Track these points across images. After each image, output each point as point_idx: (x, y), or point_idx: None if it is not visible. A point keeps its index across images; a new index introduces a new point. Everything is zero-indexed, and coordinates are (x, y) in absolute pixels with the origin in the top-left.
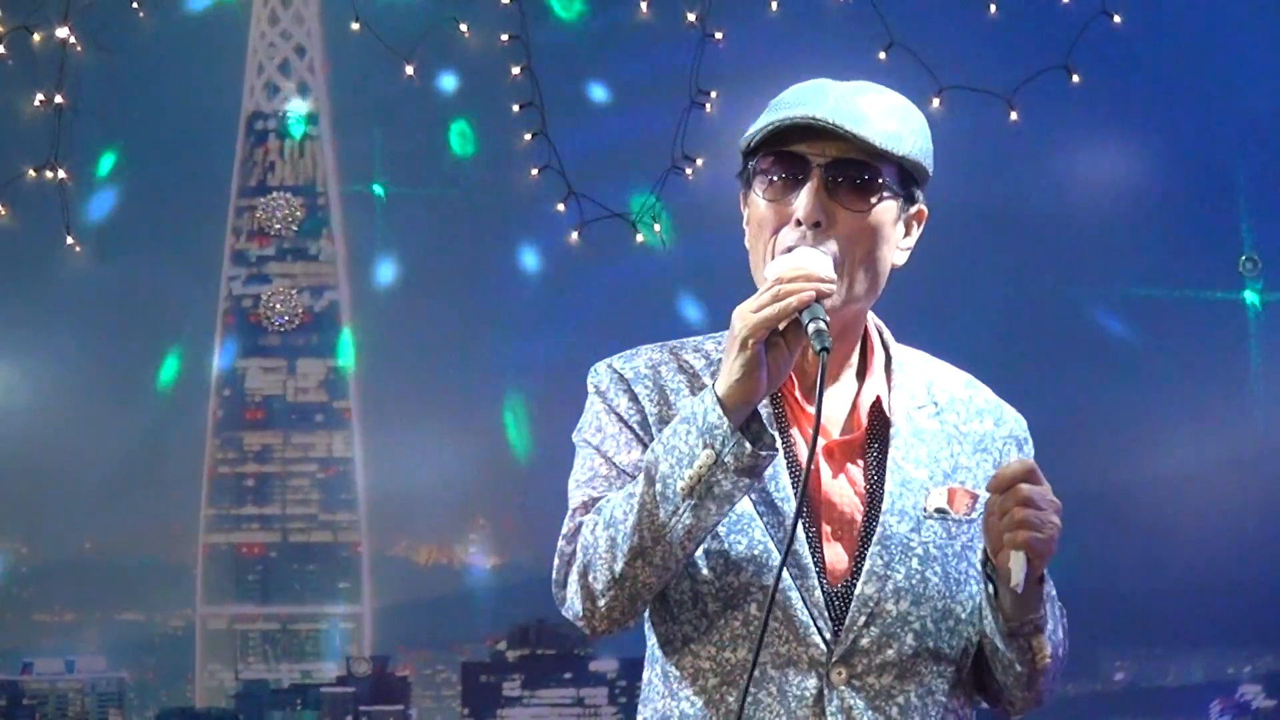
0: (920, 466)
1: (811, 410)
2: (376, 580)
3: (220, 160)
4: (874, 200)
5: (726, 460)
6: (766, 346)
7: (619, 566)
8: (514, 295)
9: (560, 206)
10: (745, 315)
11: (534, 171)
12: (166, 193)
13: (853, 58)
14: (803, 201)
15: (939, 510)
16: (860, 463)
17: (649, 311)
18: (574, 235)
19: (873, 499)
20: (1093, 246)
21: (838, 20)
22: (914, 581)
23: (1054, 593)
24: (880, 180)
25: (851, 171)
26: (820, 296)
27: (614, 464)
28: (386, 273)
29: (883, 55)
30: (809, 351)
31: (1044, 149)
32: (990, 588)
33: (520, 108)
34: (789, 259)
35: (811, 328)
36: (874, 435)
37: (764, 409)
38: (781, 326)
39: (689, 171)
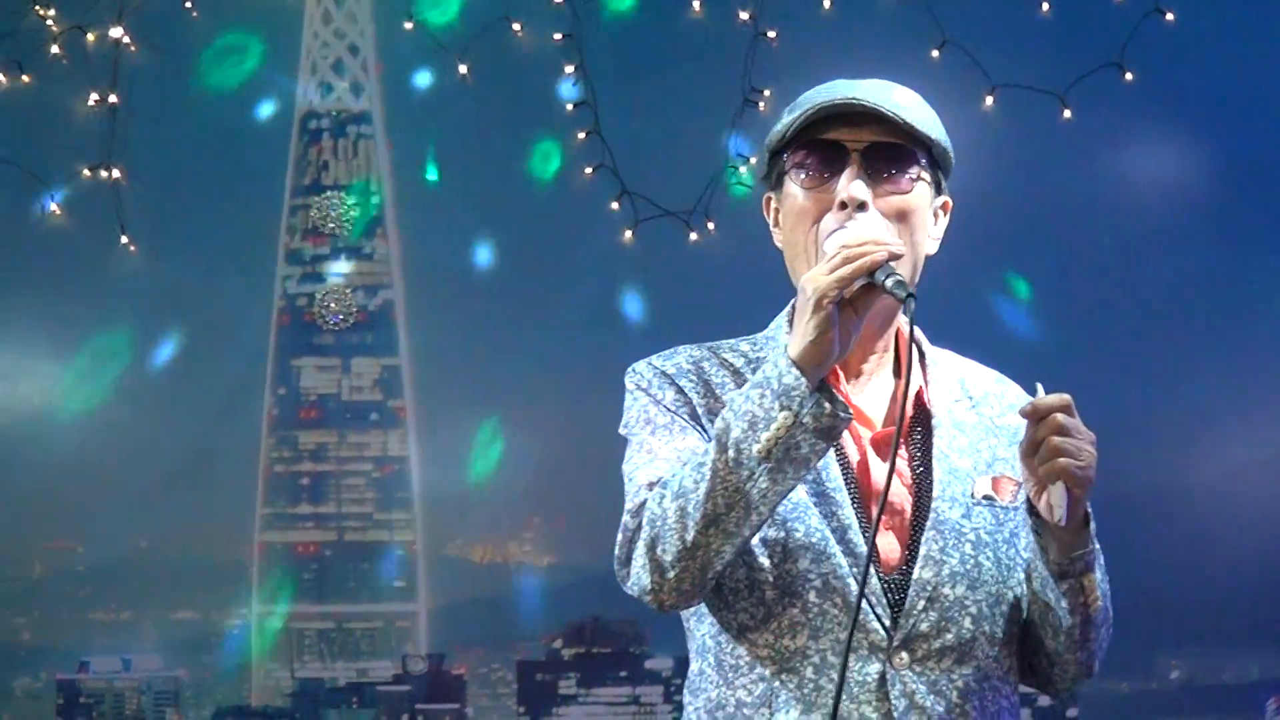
0: (964, 456)
1: (857, 402)
2: (432, 579)
3: (274, 159)
4: (911, 184)
5: (805, 420)
6: (836, 311)
7: (690, 535)
8: (568, 293)
9: (614, 205)
10: (816, 279)
11: (587, 170)
12: (220, 192)
13: (905, 56)
14: (844, 184)
15: (986, 497)
16: (904, 454)
17: (702, 309)
18: (627, 234)
19: (919, 488)
20: (1145, 245)
21: (890, 18)
22: (968, 566)
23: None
24: (916, 163)
25: (889, 154)
26: (892, 257)
27: (672, 448)
28: (441, 272)
29: (935, 53)
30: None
31: (1097, 147)
32: (1036, 533)
33: (573, 106)
34: (850, 230)
35: (889, 281)
36: (915, 427)
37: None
38: (848, 294)
39: (743, 170)
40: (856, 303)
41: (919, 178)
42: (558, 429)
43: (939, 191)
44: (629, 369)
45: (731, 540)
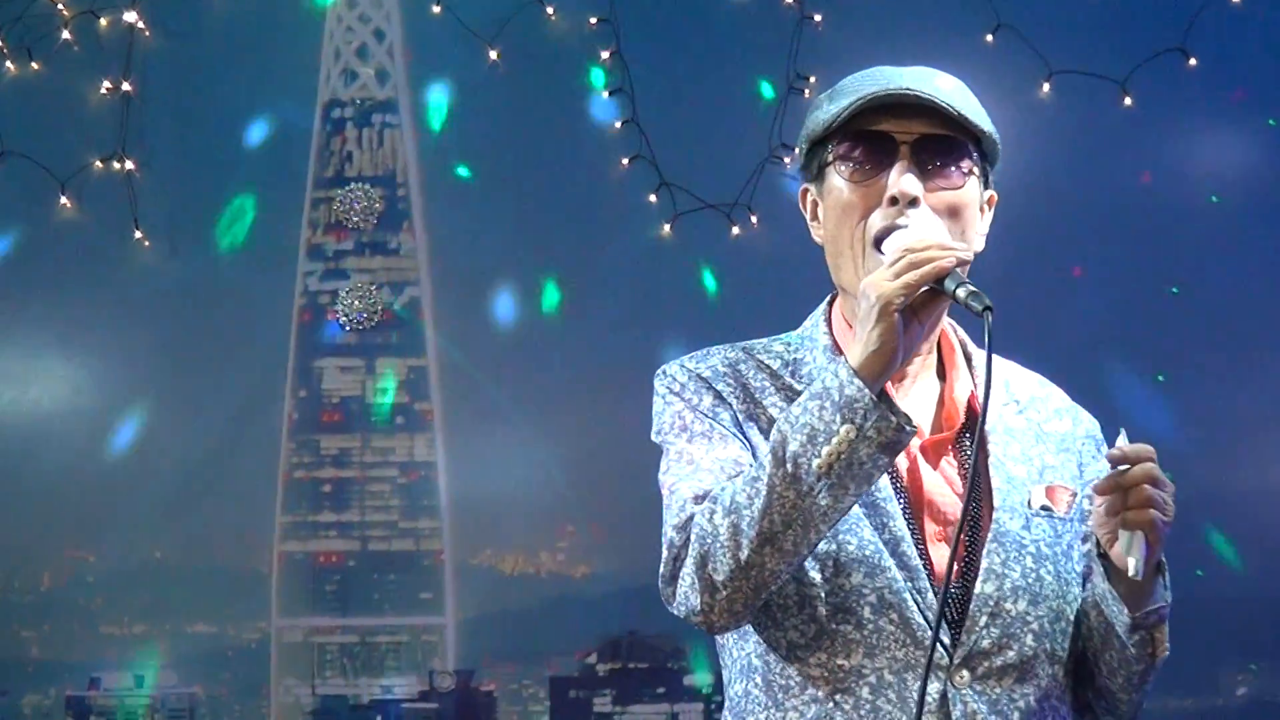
0: (1018, 464)
1: (905, 405)
2: (460, 590)
3: (295, 150)
4: (964, 178)
5: (870, 434)
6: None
7: (745, 554)
8: (603, 290)
9: (652, 198)
10: (879, 285)
11: (624, 161)
12: (238, 185)
13: (957, 40)
14: (894, 179)
15: (1044, 508)
16: (953, 461)
17: (744, 308)
18: (666, 228)
19: (973, 497)
20: (1211, 241)
21: (942, 1)
22: (1030, 580)
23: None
24: (967, 156)
25: (941, 147)
26: (960, 264)
27: (714, 458)
28: (470, 267)
29: (990, 38)
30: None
31: (1159, 136)
32: (1108, 581)
33: (610, 94)
34: (910, 231)
35: (962, 292)
36: (962, 433)
37: None
38: (912, 301)
39: (787, 161)
40: (920, 310)
41: (970, 171)
42: (593, 433)
43: (986, 185)
44: (659, 371)
45: (787, 559)
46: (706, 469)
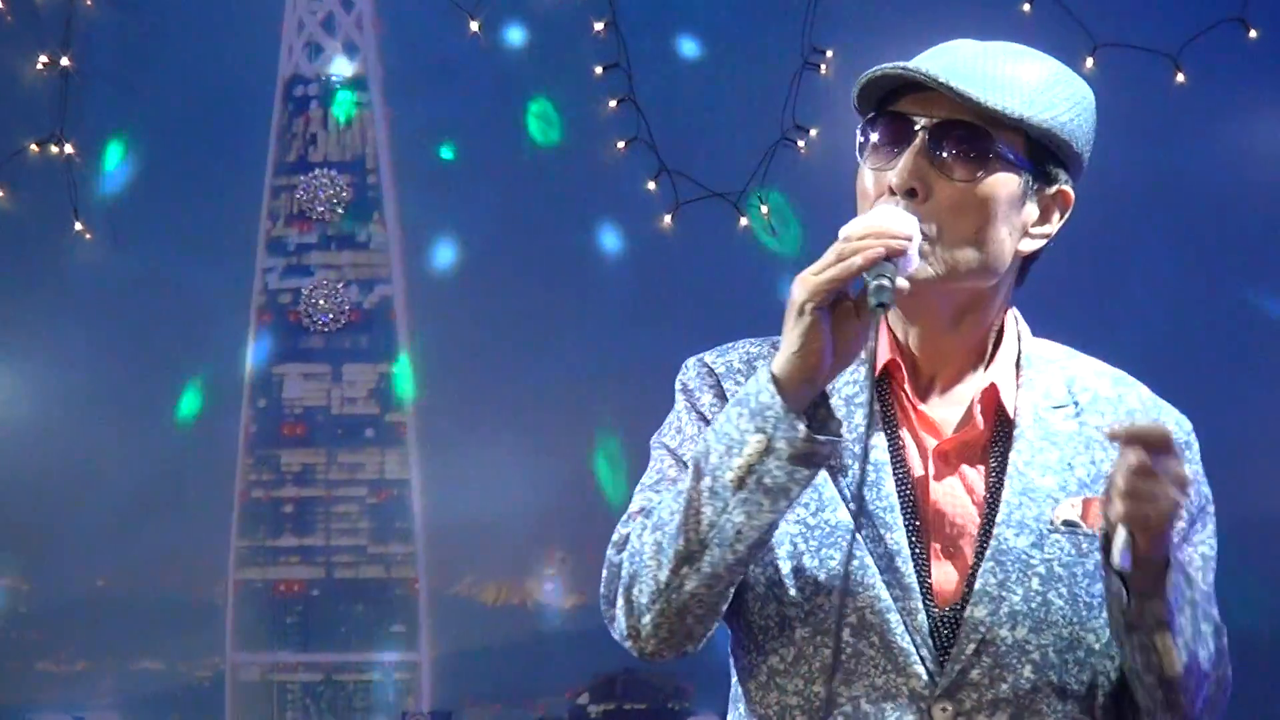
0: (1048, 474)
1: (924, 409)
2: (436, 623)
3: (254, 132)
4: (982, 170)
5: (779, 445)
6: (833, 315)
7: (664, 574)
8: (597, 289)
9: (651, 185)
10: (804, 279)
11: (620, 144)
12: (191, 170)
13: (991, 10)
14: (898, 167)
15: (1068, 523)
16: (981, 467)
17: (754, 307)
18: (667, 219)
19: (991, 509)
20: (1270, 225)
21: None
22: (1034, 605)
23: (1199, 597)
24: (993, 148)
25: (957, 134)
26: (891, 254)
27: (685, 464)
28: (448, 263)
29: (1027, 7)
30: (916, 346)
31: (1215, 114)
32: (1107, 571)
33: (604, 70)
34: (862, 217)
35: (873, 283)
36: (998, 439)
37: (865, 410)
38: (855, 297)
39: (801, 144)
40: (860, 303)
41: (994, 164)
42: (586, 446)
43: (1047, 180)
44: (684, 364)
45: (707, 582)
46: (670, 478)
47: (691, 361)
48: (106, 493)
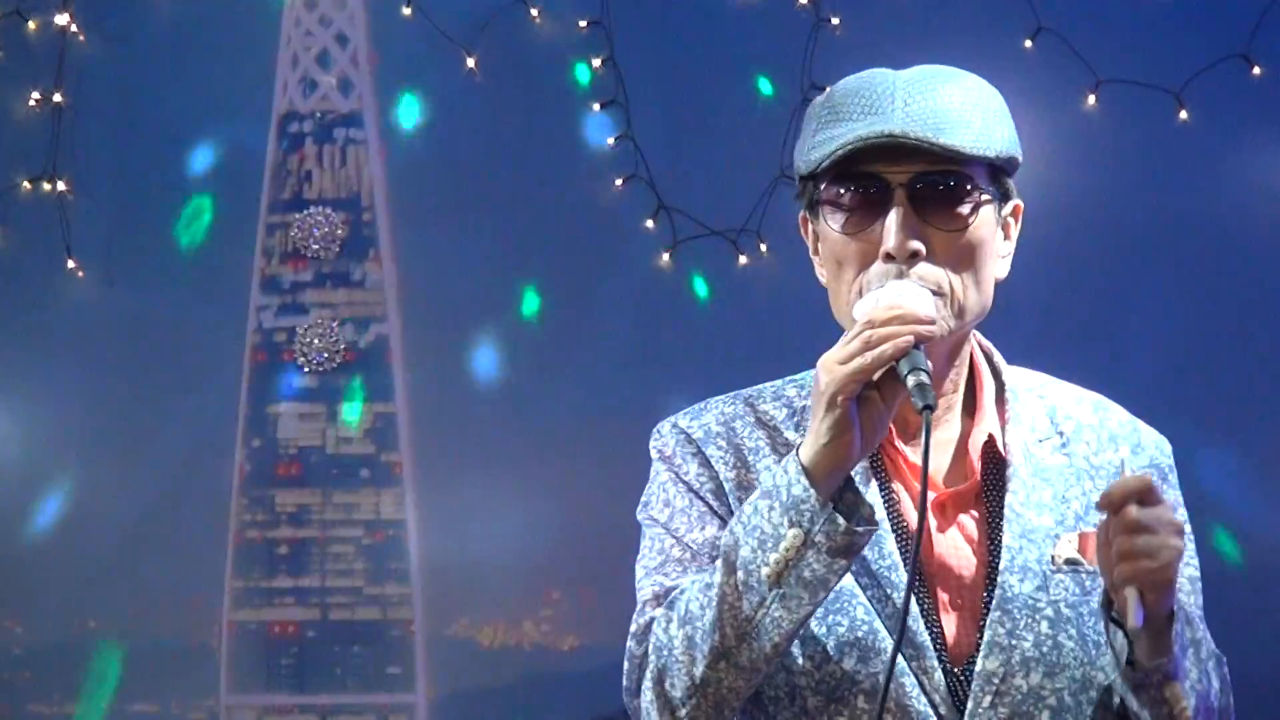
0: (1045, 512)
1: (914, 458)
2: (433, 665)
3: (248, 169)
4: (970, 213)
5: (818, 540)
6: (858, 404)
7: (699, 670)
8: (594, 328)
9: (649, 222)
10: (831, 367)
11: (618, 182)
12: (183, 208)
13: (993, 45)
14: (890, 232)
15: (1069, 561)
16: (975, 514)
17: (754, 347)
18: (665, 256)
19: (993, 555)
20: (1275, 264)
21: (974, 1)
22: (1045, 649)
23: (1200, 635)
24: (974, 188)
25: (941, 185)
26: (920, 341)
27: (686, 544)
28: (443, 301)
29: (1029, 43)
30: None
31: (1219, 152)
32: (1110, 632)
33: (601, 106)
34: (881, 296)
35: (911, 381)
36: (990, 481)
37: (857, 469)
38: (875, 378)
39: None
40: (883, 389)
41: (981, 203)
42: (583, 487)
43: (1006, 199)
44: (654, 430)
45: (745, 675)
46: (676, 559)
47: (665, 427)
48: (98, 533)
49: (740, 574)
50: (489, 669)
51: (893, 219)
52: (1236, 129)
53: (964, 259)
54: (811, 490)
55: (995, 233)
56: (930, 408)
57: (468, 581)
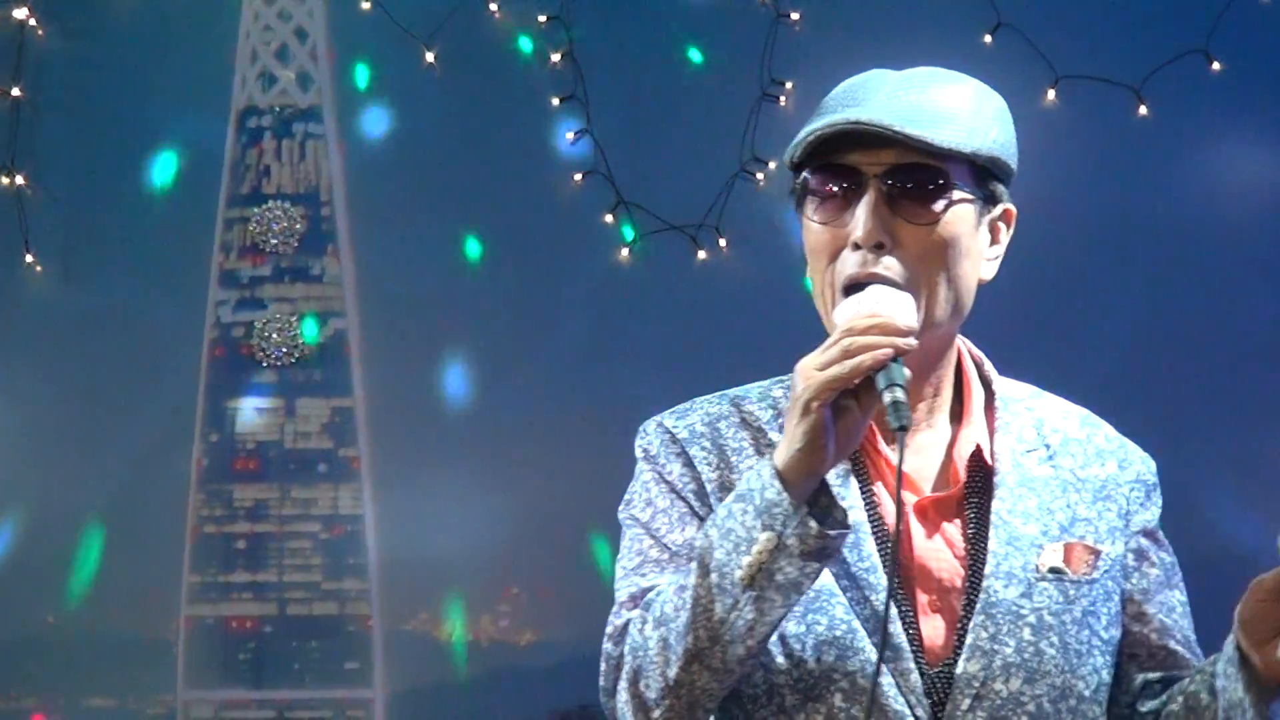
0: (1030, 521)
1: (897, 461)
2: (390, 660)
3: (207, 164)
4: (943, 209)
5: (790, 543)
6: (834, 410)
7: (673, 672)
8: (553, 323)
9: (608, 218)
10: (808, 373)
11: (577, 177)
12: (141, 203)
13: (953, 41)
14: (859, 220)
15: (1054, 570)
16: (958, 520)
17: (714, 343)
18: (624, 252)
19: (975, 561)
20: (1239, 258)
21: None
22: (1026, 655)
23: None
24: (948, 184)
25: (913, 178)
26: (899, 353)
27: (665, 545)
28: (402, 295)
29: (988, 39)
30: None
31: (1178, 147)
32: (1237, 675)
33: (561, 101)
34: (861, 302)
35: (887, 397)
36: (975, 488)
37: (838, 470)
38: (855, 385)
39: (760, 176)
40: (860, 397)
41: (955, 200)
42: (541, 482)
43: (993, 202)
44: (640, 428)
45: (719, 678)
46: (654, 560)
47: (651, 426)
48: (56, 529)
49: (714, 576)
50: (446, 664)
51: (863, 207)
52: (1196, 124)
53: (933, 255)
54: (785, 494)
55: (974, 233)
56: (904, 428)
57: (425, 577)
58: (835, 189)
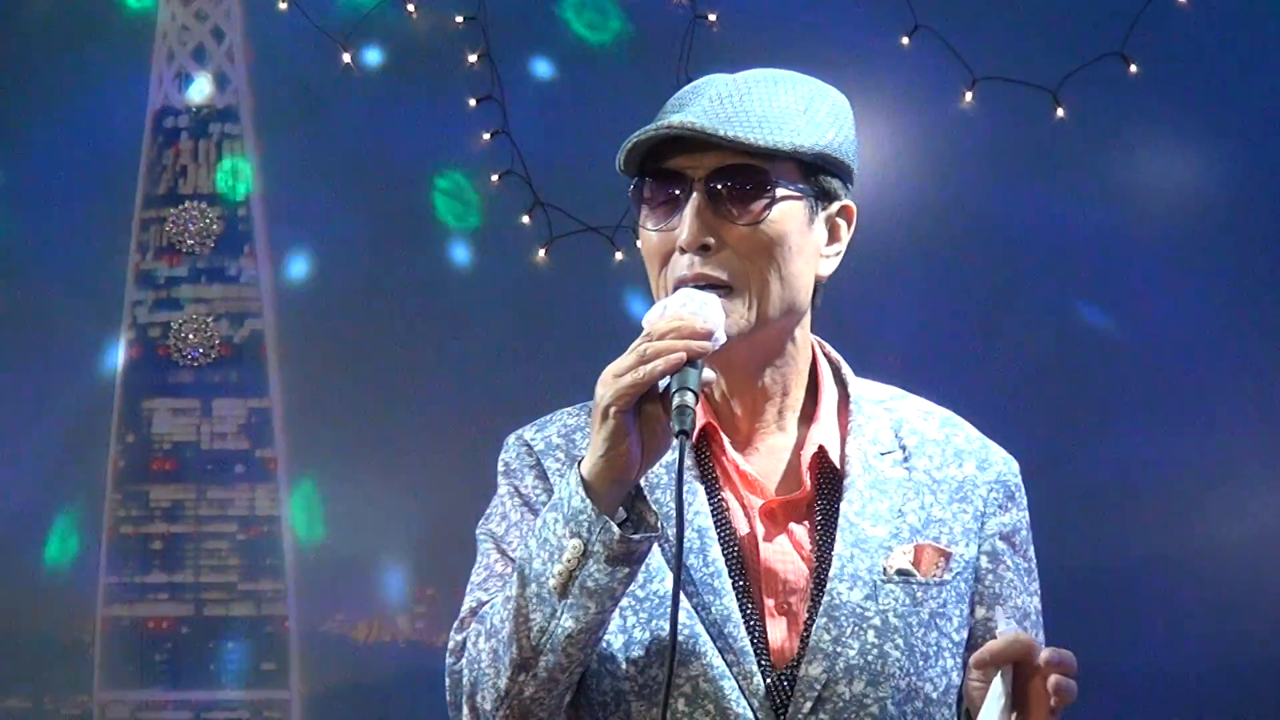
0: (880, 523)
1: (745, 466)
2: (307, 661)
3: (122, 164)
4: (764, 207)
5: (596, 549)
6: (637, 416)
7: (503, 683)
8: (469, 325)
9: (525, 219)
10: (607, 379)
11: (494, 178)
12: (57, 203)
13: (870, 43)
14: (684, 224)
15: (901, 572)
16: (807, 522)
17: (628, 342)
18: (541, 253)
19: (821, 564)
20: (1151, 264)
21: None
22: (870, 658)
23: None
24: (770, 183)
25: (735, 179)
26: (694, 356)
27: (510, 559)
28: (317, 298)
29: (905, 41)
30: (733, 400)
31: (1095, 149)
32: None
33: (477, 102)
34: (669, 305)
35: (676, 401)
36: (825, 490)
37: (690, 475)
38: (662, 386)
39: None
40: (666, 401)
41: (774, 198)
42: (457, 483)
43: (827, 199)
44: (505, 441)
45: (546, 686)
46: (498, 574)
47: (511, 440)
48: None
49: (532, 586)
50: (363, 665)
51: (688, 211)
52: (1113, 127)
53: (759, 253)
54: (588, 501)
55: (806, 230)
56: (686, 434)
57: (342, 578)
58: (664, 194)
